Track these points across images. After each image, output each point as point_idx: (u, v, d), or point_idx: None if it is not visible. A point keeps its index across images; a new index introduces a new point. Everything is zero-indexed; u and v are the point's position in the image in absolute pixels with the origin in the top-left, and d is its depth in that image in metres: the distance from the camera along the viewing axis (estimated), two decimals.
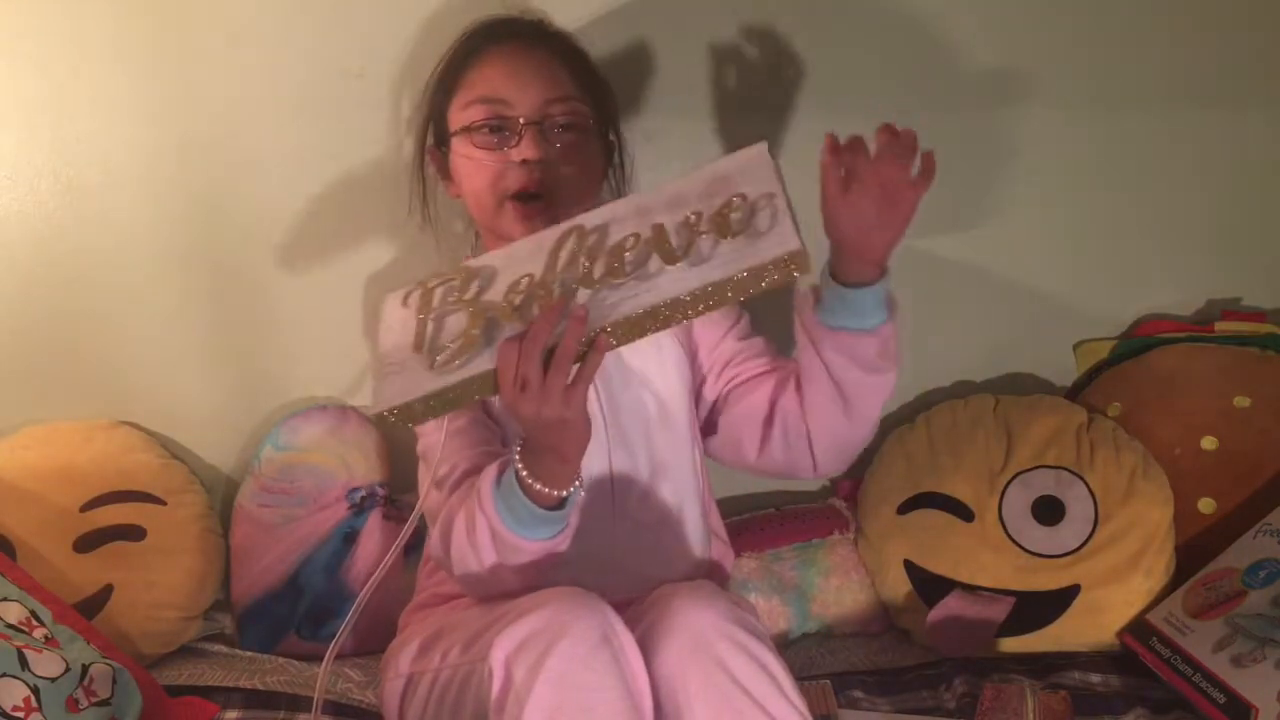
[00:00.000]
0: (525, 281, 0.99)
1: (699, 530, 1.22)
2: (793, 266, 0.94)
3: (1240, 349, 1.51)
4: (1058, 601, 1.38)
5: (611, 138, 1.27)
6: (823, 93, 1.45)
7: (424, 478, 1.15)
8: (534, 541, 1.02)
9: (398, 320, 1.03)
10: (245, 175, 1.43)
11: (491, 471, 1.03)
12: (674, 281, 0.94)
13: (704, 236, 0.95)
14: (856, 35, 1.44)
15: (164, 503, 1.43)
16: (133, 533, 1.40)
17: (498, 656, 0.95)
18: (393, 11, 1.38)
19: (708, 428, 1.25)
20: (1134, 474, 1.42)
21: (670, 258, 0.95)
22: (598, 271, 0.97)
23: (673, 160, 1.41)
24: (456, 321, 1.00)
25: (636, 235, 0.98)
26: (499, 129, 1.16)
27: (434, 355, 0.99)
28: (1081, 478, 1.42)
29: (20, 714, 1.08)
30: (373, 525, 1.46)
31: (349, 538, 1.46)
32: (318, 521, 1.45)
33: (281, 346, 1.51)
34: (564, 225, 1.02)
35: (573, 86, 1.19)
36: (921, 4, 1.44)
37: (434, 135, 1.26)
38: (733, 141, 1.45)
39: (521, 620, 0.96)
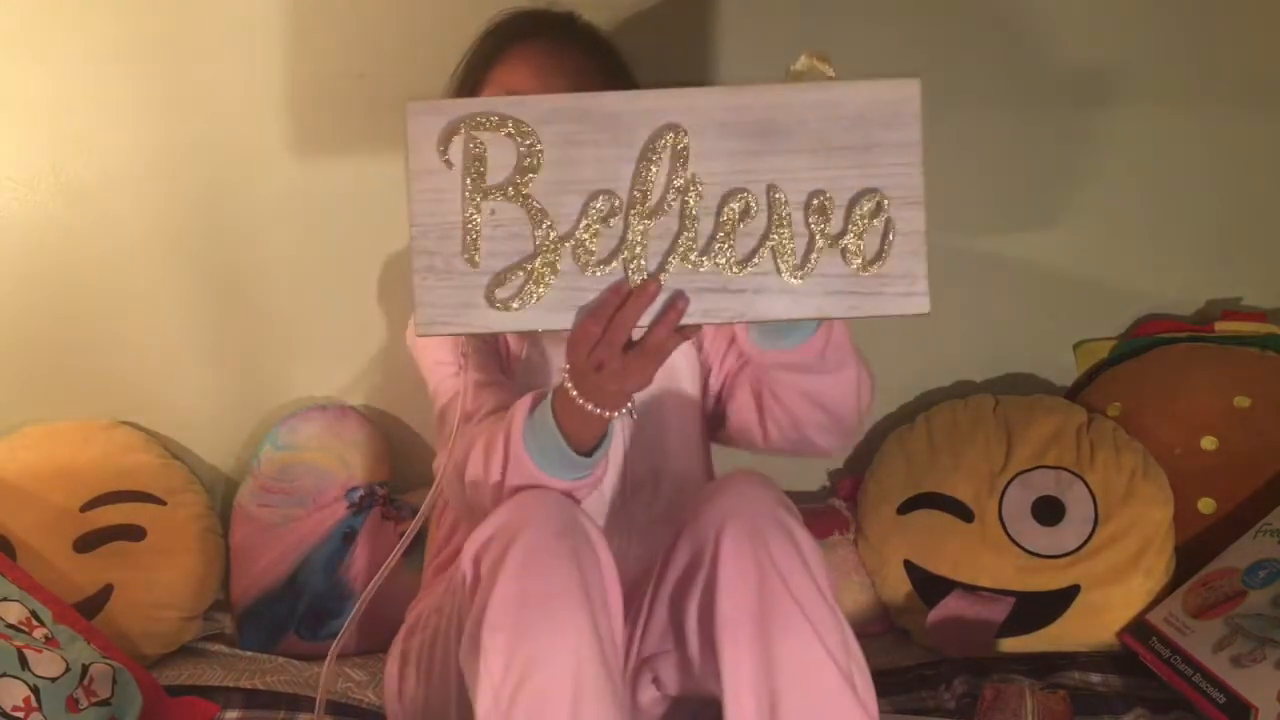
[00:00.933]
0: (604, 203, 0.86)
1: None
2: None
3: (1240, 349, 1.51)
4: (1058, 601, 1.38)
5: None
6: None
7: (441, 446, 1.13)
8: (555, 480, 1.00)
9: (436, 180, 0.87)
10: (245, 175, 1.43)
11: (525, 403, 0.99)
12: (783, 298, 0.86)
13: (828, 249, 0.86)
14: (855, 33, 1.44)
15: (164, 503, 1.43)
16: (133, 533, 1.40)
17: (467, 556, 0.97)
18: (393, 12, 1.38)
19: (718, 418, 1.24)
20: (1134, 474, 1.42)
21: (788, 266, 0.86)
22: (699, 242, 0.85)
23: None
24: (516, 225, 0.86)
25: (747, 198, 0.85)
26: None
27: (492, 282, 0.86)
28: (1081, 478, 1.42)
29: (20, 714, 1.08)
30: (372, 525, 1.46)
31: (348, 537, 1.46)
32: (317, 521, 1.45)
33: (281, 346, 1.51)
34: (655, 110, 0.85)
35: (600, 83, 1.15)
36: (922, 3, 1.44)
37: None
38: None
39: (487, 521, 0.97)
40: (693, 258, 0.86)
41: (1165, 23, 1.48)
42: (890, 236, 0.86)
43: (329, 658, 1.10)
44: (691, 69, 1.43)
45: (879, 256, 0.86)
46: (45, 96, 1.39)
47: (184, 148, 1.42)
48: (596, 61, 1.18)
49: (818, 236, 0.86)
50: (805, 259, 0.86)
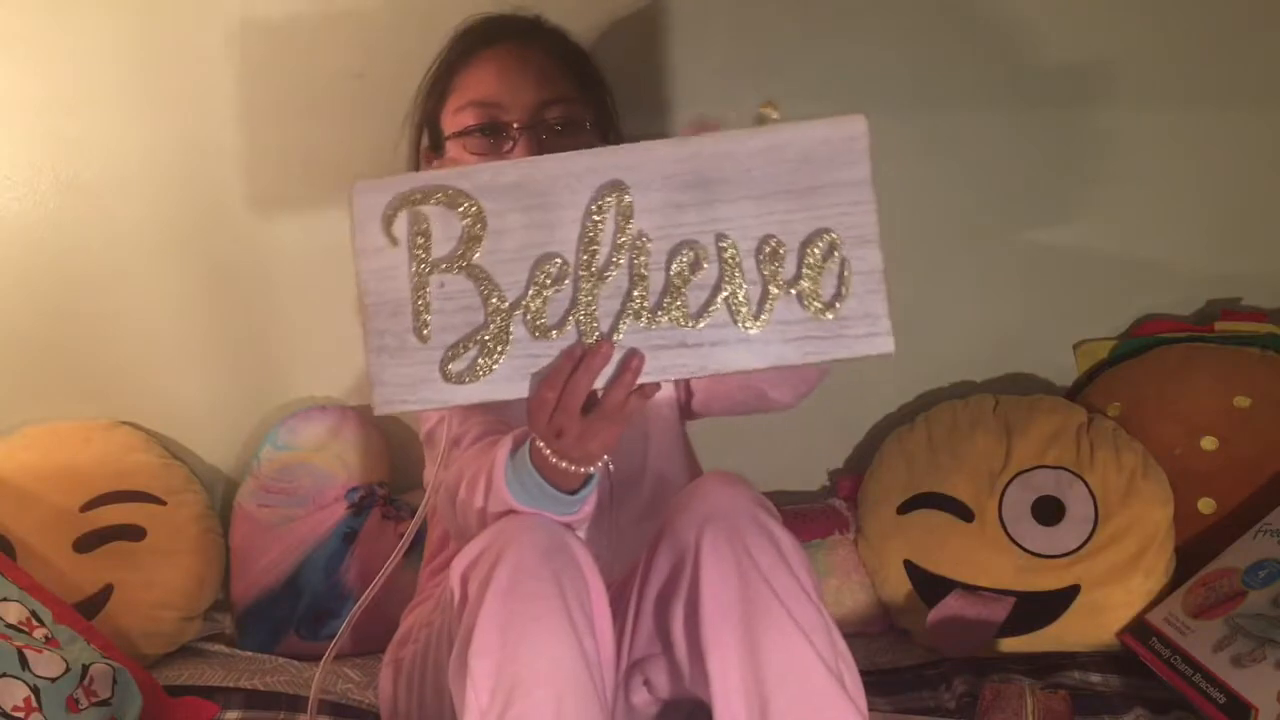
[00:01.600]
0: (552, 267, 0.85)
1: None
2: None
3: (1240, 349, 1.51)
4: (1058, 601, 1.38)
5: (611, 138, 1.25)
6: (826, 91, 1.45)
7: (431, 461, 1.14)
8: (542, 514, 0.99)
9: (383, 258, 0.87)
10: (245, 175, 1.43)
11: (506, 444, 0.99)
12: (741, 349, 0.84)
13: (784, 295, 0.84)
14: (854, 33, 1.44)
15: (164, 503, 1.43)
16: (133, 533, 1.40)
17: (455, 574, 0.97)
18: (393, 12, 1.38)
19: (717, 401, 1.24)
20: (1134, 474, 1.42)
21: (745, 319, 0.84)
22: (651, 299, 0.84)
23: None
24: (466, 297, 0.86)
25: (695, 251, 0.84)
26: (493, 133, 1.14)
27: (445, 356, 0.86)
28: (1081, 478, 1.42)
29: (20, 714, 1.08)
30: (372, 525, 1.46)
31: (348, 537, 1.46)
32: (317, 521, 1.45)
33: (281, 347, 1.51)
34: (596, 169, 0.85)
35: (568, 87, 1.17)
36: (922, 3, 1.44)
37: (429, 138, 1.25)
38: None
39: (475, 540, 0.97)
40: (646, 315, 0.85)
41: (1165, 22, 1.48)
42: (846, 276, 0.84)
43: (323, 661, 1.10)
44: (666, 70, 1.43)
45: (836, 298, 0.84)
46: (45, 96, 1.39)
47: (183, 147, 1.42)
48: (562, 63, 1.18)
49: (771, 284, 0.84)
50: (761, 307, 0.84)
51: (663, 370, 0.85)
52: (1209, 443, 1.45)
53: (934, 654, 1.39)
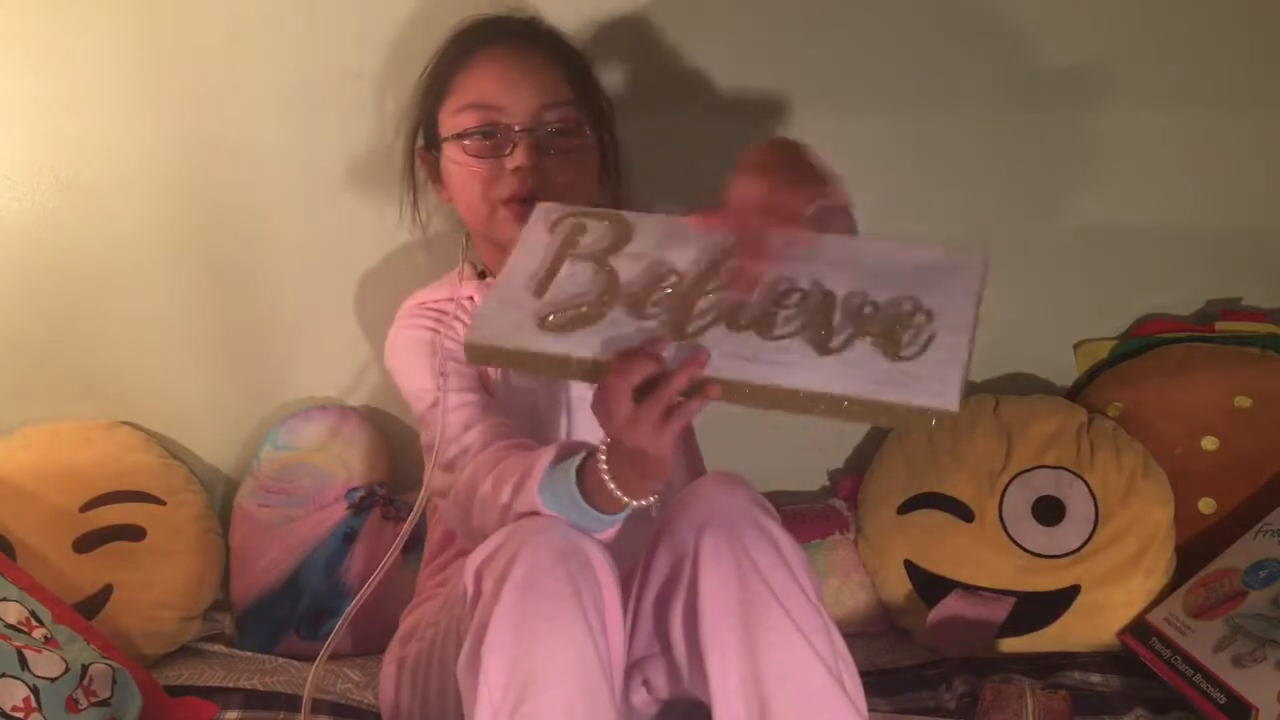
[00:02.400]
0: (671, 280, 0.93)
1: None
2: (933, 420, 0.83)
3: (1240, 349, 1.51)
4: (1058, 601, 1.38)
5: (606, 140, 1.25)
6: (826, 90, 1.45)
7: (430, 463, 1.15)
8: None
9: (538, 242, 0.98)
10: (245, 175, 1.43)
11: (552, 450, 0.99)
12: (811, 371, 0.86)
13: (865, 340, 0.87)
14: (854, 34, 1.44)
15: (163, 503, 1.43)
16: (132, 533, 1.40)
17: (469, 570, 0.97)
18: (392, 11, 1.38)
19: None
20: (1134, 474, 1.42)
21: (821, 347, 0.87)
22: (746, 315, 0.90)
23: (674, 161, 1.40)
24: (587, 278, 0.95)
25: (804, 293, 0.90)
26: (492, 135, 1.15)
27: (549, 310, 0.93)
28: (1082, 478, 1.42)
29: (20, 714, 1.08)
30: (372, 525, 1.46)
31: (348, 538, 1.46)
32: (317, 521, 1.45)
33: (280, 347, 1.51)
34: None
35: (567, 91, 1.18)
36: (923, 3, 1.44)
37: (424, 138, 1.25)
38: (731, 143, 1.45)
39: (491, 538, 0.98)
40: (730, 324, 0.89)
41: (1165, 22, 1.48)
42: (929, 341, 0.86)
43: (318, 661, 1.11)
44: (666, 72, 1.43)
45: (915, 355, 0.86)
46: (45, 96, 1.39)
47: (184, 147, 1.42)
48: (561, 66, 1.19)
49: (856, 330, 0.87)
50: (842, 343, 0.87)
51: (728, 370, 0.88)
52: (1209, 443, 1.45)
53: (934, 654, 1.39)
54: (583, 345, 0.91)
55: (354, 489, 1.47)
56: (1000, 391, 1.55)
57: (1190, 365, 1.51)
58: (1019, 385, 1.59)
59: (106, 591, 1.37)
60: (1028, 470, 1.44)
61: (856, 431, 1.62)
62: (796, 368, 0.86)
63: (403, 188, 1.31)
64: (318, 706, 1.24)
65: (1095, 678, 1.31)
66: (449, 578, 1.19)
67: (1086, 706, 1.24)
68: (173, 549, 1.42)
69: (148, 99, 1.40)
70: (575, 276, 0.95)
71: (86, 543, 1.38)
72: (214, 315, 1.49)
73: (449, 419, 1.12)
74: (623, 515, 0.98)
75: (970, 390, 1.58)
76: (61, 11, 1.36)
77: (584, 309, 0.93)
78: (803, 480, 1.61)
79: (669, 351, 0.89)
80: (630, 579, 1.08)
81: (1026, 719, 1.21)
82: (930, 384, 0.83)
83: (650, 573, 1.04)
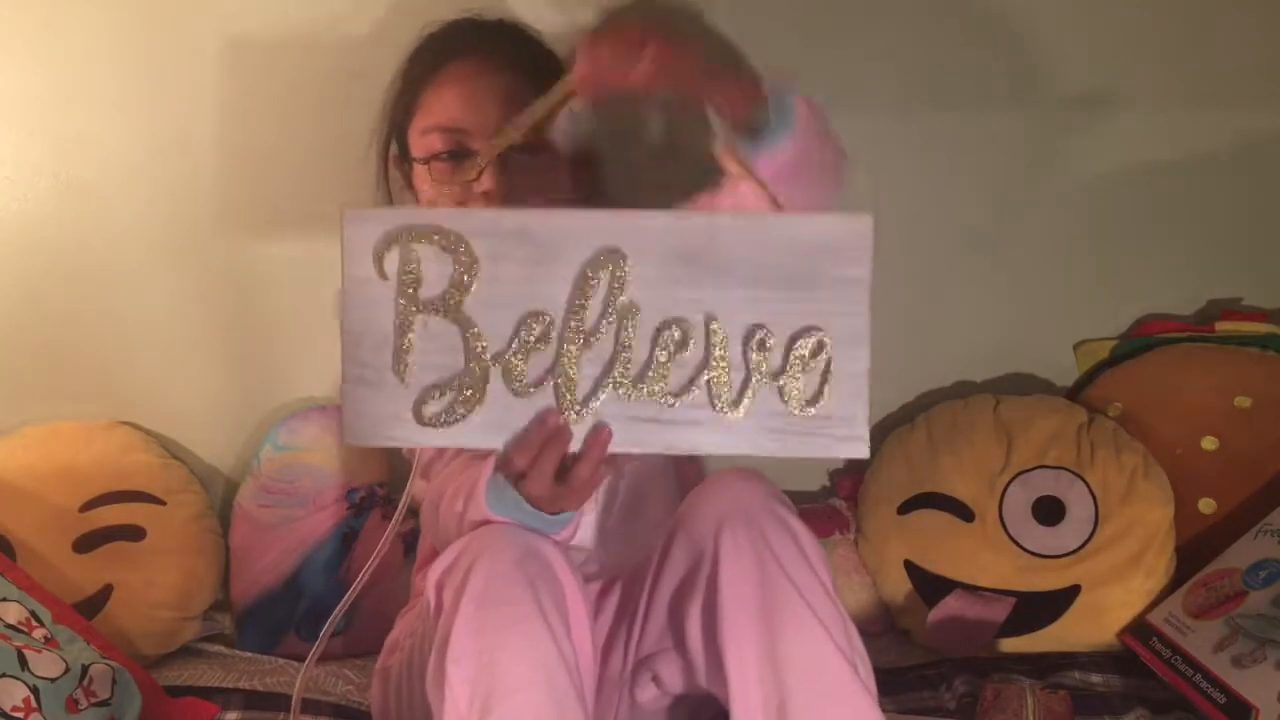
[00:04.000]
0: (538, 324, 0.84)
1: (669, 519, 1.24)
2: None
3: (1240, 349, 1.51)
4: (1058, 601, 1.38)
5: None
6: (821, 90, 1.45)
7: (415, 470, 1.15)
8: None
9: (371, 290, 0.86)
10: (245, 175, 1.43)
11: (491, 460, 0.99)
12: (716, 433, 0.84)
13: (766, 386, 0.84)
14: (854, 34, 1.44)
15: (163, 503, 1.43)
16: (132, 533, 1.40)
17: (430, 583, 0.97)
18: (393, 10, 1.38)
19: None
20: (1134, 474, 1.42)
21: (724, 404, 0.84)
22: (633, 370, 0.84)
23: None
24: (448, 344, 0.85)
25: (683, 329, 0.83)
26: (459, 158, 1.11)
27: (422, 397, 0.85)
28: (1082, 478, 1.42)
29: (20, 714, 1.08)
30: (372, 525, 1.46)
31: (348, 538, 1.46)
32: (317, 522, 1.45)
33: (281, 347, 1.51)
34: (596, 231, 0.83)
35: (534, 100, 1.15)
36: (922, 3, 1.44)
37: (398, 147, 1.22)
38: None
39: (449, 550, 0.97)
40: (626, 386, 0.85)
41: (1163, 22, 1.48)
42: (829, 377, 0.83)
43: (308, 661, 1.10)
44: None
45: (817, 397, 0.84)
46: (45, 96, 1.39)
47: (183, 147, 1.42)
48: (528, 77, 1.13)
49: (755, 372, 0.84)
50: (741, 394, 0.84)
51: (636, 443, 0.85)
52: (1209, 443, 1.45)
53: (934, 654, 1.39)
54: (471, 436, 0.86)
55: (354, 489, 1.47)
56: (1000, 391, 1.55)
57: (1190, 365, 1.51)
58: (1019, 385, 1.59)
59: (106, 591, 1.37)
60: (1028, 470, 1.44)
61: None
62: (701, 428, 0.84)
63: (377, 198, 1.29)
64: (319, 708, 1.24)
65: (1095, 678, 1.31)
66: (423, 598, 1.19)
67: (1086, 706, 1.24)
68: (173, 549, 1.42)
69: (148, 99, 1.40)
70: (434, 340, 0.85)
71: (86, 543, 1.38)
72: (214, 315, 1.48)
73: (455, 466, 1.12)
74: (572, 516, 0.98)
75: (970, 390, 1.59)
76: (61, 11, 1.36)
77: (459, 388, 0.85)
78: (803, 480, 1.61)
79: (567, 423, 0.86)
80: (641, 576, 1.08)
81: (1026, 719, 1.21)
82: (838, 429, 0.83)
83: (665, 567, 1.04)
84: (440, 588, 0.96)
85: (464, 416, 0.85)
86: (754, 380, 0.84)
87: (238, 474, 1.53)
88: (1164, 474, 1.43)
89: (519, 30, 1.22)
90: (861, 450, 0.84)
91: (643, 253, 0.83)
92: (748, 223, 0.83)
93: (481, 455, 1.02)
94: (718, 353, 0.83)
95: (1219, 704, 1.19)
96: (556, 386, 0.85)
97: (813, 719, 0.95)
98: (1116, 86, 1.50)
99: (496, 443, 0.87)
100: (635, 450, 0.86)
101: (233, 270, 1.47)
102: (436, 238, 0.84)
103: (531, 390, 0.85)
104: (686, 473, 1.26)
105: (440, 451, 1.11)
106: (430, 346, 0.85)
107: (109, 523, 1.39)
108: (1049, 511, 1.41)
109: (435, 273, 0.85)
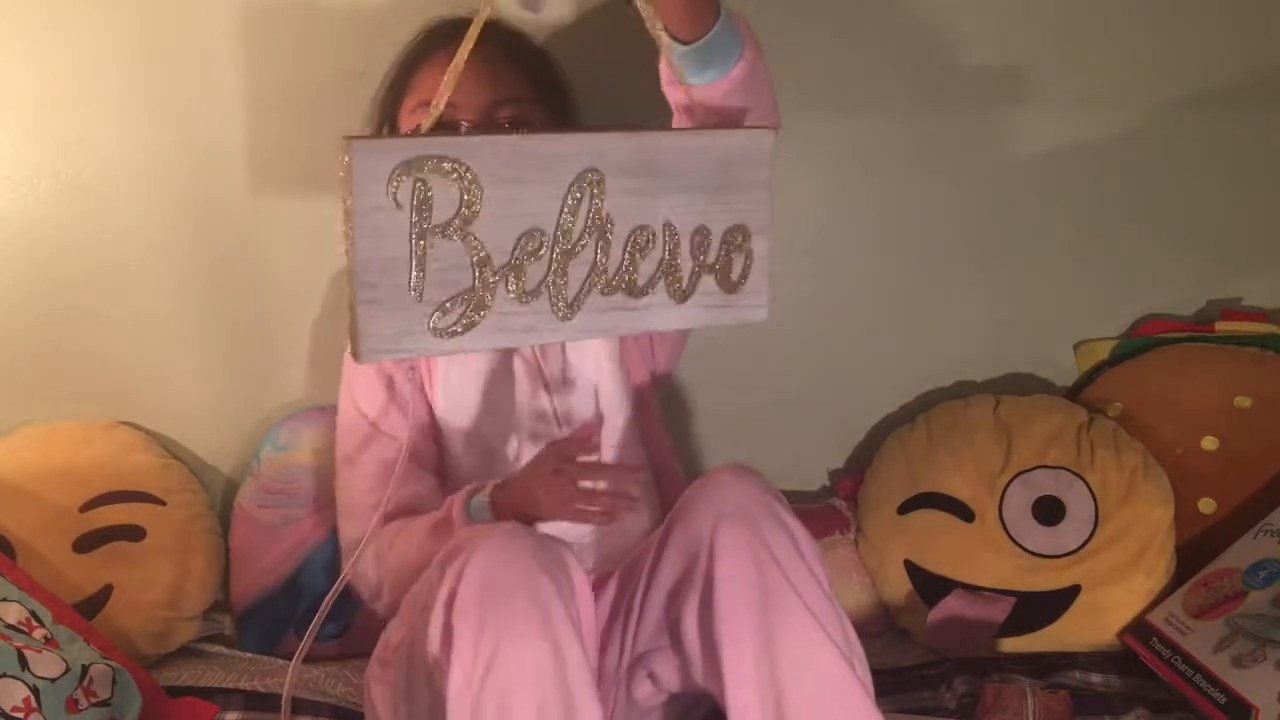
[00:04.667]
0: (535, 241, 0.93)
1: (656, 511, 1.26)
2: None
3: (1240, 349, 1.51)
4: (1058, 601, 1.38)
5: None
6: (821, 90, 1.45)
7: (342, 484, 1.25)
8: None
9: (381, 218, 0.89)
10: (246, 174, 1.43)
11: (460, 500, 1.10)
12: (663, 313, 0.98)
13: (708, 278, 0.99)
14: (858, 32, 1.44)
15: (163, 503, 1.43)
16: (132, 533, 1.40)
17: (435, 566, 1.00)
18: (394, 9, 1.38)
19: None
20: (1134, 474, 1.42)
21: (679, 296, 0.98)
22: (609, 271, 0.95)
23: None
24: (458, 260, 0.91)
25: (648, 234, 0.96)
26: (445, 131, 1.13)
27: (434, 309, 0.90)
28: (1082, 478, 1.42)
29: (20, 714, 1.08)
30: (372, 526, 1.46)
31: None
32: (317, 522, 1.45)
33: (281, 347, 1.51)
34: (578, 153, 0.93)
35: (522, 88, 1.18)
36: (922, 3, 1.44)
37: (389, 132, 1.25)
38: None
39: (451, 540, 1.02)
40: (604, 285, 0.96)
41: (1162, 22, 1.48)
42: (748, 262, 1.00)
43: (295, 659, 1.11)
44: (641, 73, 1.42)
45: (741, 278, 1.00)
46: (45, 96, 1.39)
47: (183, 147, 1.41)
48: (517, 64, 1.19)
49: (699, 266, 0.98)
50: (689, 282, 0.98)
51: (610, 329, 0.97)
52: (1209, 443, 1.45)
53: (934, 654, 1.39)
54: (479, 341, 0.93)
55: None
56: (1000, 391, 1.56)
57: (1190, 365, 1.51)
58: (1019, 385, 1.59)
59: (106, 591, 1.37)
60: (1028, 470, 1.44)
61: (857, 431, 1.62)
62: (659, 310, 0.98)
63: None
64: (318, 709, 1.24)
65: (1095, 678, 1.31)
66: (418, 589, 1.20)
67: (1087, 707, 1.24)
68: (173, 549, 1.42)
69: (148, 99, 1.40)
70: (442, 260, 0.90)
71: (86, 543, 1.38)
72: (214, 315, 1.48)
73: (366, 470, 1.22)
74: None
75: (970, 390, 1.59)
76: (61, 12, 1.36)
77: (469, 300, 0.92)
78: (803, 480, 1.62)
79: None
80: (635, 573, 1.09)
81: (1026, 719, 1.21)
82: (751, 299, 1.00)
83: (660, 564, 1.04)
84: (443, 567, 0.97)
85: (473, 325, 0.92)
86: (698, 270, 0.98)
87: (238, 474, 1.53)
88: (1164, 474, 1.43)
89: (513, 28, 1.27)
90: (763, 314, 1.01)
91: (610, 169, 0.94)
92: (682, 139, 0.98)
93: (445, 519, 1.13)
94: (672, 252, 0.97)
95: (1219, 704, 1.19)
96: (549, 290, 0.94)
97: (808, 716, 0.95)
98: (1118, 86, 1.50)
99: (501, 344, 0.96)
100: (610, 334, 1.01)
101: (233, 270, 1.47)
102: (445, 165, 0.90)
103: (530, 297, 0.93)
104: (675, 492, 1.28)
105: (364, 443, 1.21)
106: (441, 265, 0.90)
107: (109, 523, 1.39)
108: (1049, 511, 1.41)
109: (443, 197, 0.90)
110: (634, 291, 0.96)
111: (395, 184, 0.89)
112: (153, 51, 1.38)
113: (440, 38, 1.22)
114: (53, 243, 1.44)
